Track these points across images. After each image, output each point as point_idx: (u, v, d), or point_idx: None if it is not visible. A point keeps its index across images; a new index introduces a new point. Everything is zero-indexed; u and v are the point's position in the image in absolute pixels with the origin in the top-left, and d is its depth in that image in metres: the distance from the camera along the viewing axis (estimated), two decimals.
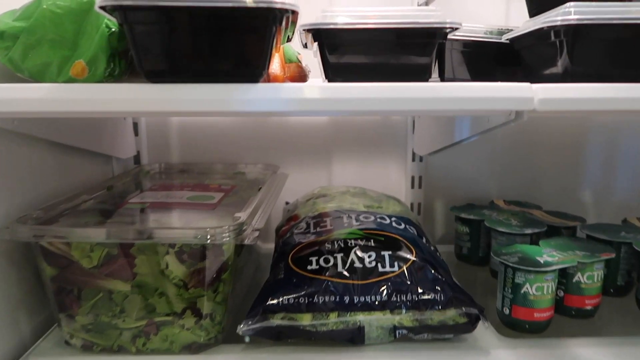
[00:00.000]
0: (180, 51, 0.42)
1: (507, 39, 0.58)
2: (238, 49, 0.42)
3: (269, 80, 0.65)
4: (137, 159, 0.93)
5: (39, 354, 0.57)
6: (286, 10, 0.42)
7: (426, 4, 0.86)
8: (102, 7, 0.41)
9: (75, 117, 0.69)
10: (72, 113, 0.43)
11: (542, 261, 0.58)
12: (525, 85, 0.43)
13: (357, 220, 0.63)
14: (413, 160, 0.93)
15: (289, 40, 0.56)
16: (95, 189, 0.73)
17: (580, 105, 0.43)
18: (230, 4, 0.40)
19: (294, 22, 0.47)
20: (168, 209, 0.64)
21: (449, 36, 0.56)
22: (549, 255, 0.60)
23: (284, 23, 0.43)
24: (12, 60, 0.48)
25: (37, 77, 0.48)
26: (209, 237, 0.50)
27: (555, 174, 0.95)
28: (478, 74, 0.65)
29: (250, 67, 0.43)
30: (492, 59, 0.65)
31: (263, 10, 0.41)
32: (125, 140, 0.88)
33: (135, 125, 0.91)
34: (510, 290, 0.58)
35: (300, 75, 0.67)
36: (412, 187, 0.94)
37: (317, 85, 0.44)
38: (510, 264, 0.57)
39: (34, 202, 0.62)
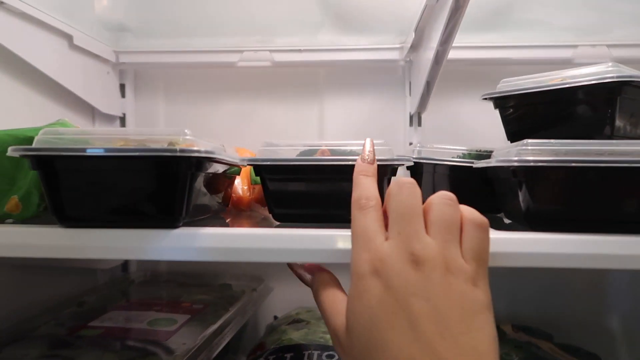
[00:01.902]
0: (93, 197, 0.40)
1: (476, 167, 0.53)
2: (152, 194, 0.40)
3: (234, 201, 0.63)
4: (124, 266, 0.91)
5: None
6: (203, 158, 0.39)
7: (419, 116, 0.83)
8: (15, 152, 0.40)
9: None
10: None
11: None
12: None
13: (319, 359, 0.57)
14: None
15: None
16: (68, 304, 0.71)
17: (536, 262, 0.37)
18: (138, 153, 0.38)
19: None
20: (119, 339, 0.60)
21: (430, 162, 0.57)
22: None
23: (203, 167, 0.41)
24: None
25: None
26: None
27: (575, 295, 0.85)
28: (457, 198, 0.59)
29: (166, 213, 0.40)
30: (472, 183, 0.60)
31: (175, 158, 0.39)
32: None
33: None
34: None
35: None
36: None
37: (242, 231, 0.41)
38: None
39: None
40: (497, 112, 0.85)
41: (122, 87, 0.90)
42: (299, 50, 0.84)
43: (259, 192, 0.63)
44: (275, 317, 0.85)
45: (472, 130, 0.86)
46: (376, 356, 0.30)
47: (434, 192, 0.60)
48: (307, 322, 0.69)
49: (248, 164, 0.46)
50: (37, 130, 0.47)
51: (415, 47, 0.77)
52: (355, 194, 0.37)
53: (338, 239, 0.38)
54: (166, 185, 0.40)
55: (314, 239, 0.39)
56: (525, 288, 0.86)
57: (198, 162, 0.40)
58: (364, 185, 0.37)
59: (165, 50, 0.86)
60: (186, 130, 0.40)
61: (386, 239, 0.34)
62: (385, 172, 0.45)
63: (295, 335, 0.64)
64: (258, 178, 0.63)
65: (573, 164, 0.39)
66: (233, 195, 0.62)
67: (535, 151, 0.42)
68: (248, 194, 0.63)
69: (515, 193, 0.44)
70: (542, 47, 0.82)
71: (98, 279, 0.87)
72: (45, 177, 0.40)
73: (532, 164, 0.41)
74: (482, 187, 0.57)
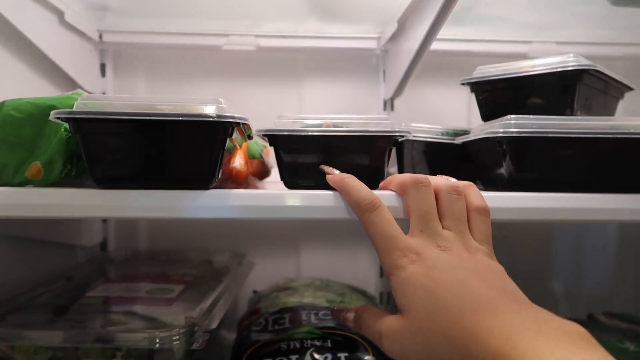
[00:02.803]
0: (130, 160, 0.43)
1: (459, 142, 0.61)
2: (186, 158, 0.44)
3: (232, 175, 0.67)
4: (103, 245, 0.92)
5: None
6: (237, 123, 0.43)
7: (391, 101, 0.90)
8: (57, 117, 0.42)
9: None
10: (15, 217, 0.43)
11: None
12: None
13: (316, 317, 0.62)
14: None
15: (249, 138, 0.58)
16: (55, 279, 0.72)
17: (522, 214, 0.44)
18: (178, 118, 0.41)
19: (248, 128, 0.49)
20: (124, 305, 0.62)
21: (410, 137, 0.60)
22: None
23: (235, 131, 0.45)
24: None
25: None
26: (157, 341, 0.49)
27: (524, 265, 0.95)
28: (435, 172, 0.66)
29: (198, 175, 0.44)
30: (449, 158, 0.67)
31: (210, 124, 0.42)
32: (91, 228, 0.88)
33: None
34: None
35: (263, 171, 0.69)
36: (381, 275, 0.93)
37: (267, 192, 0.45)
38: None
39: None
40: (459, 97, 0.95)
41: (103, 66, 0.91)
42: (284, 37, 0.88)
43: (256, 167, 0.67)
44: (255, 292, 0.88)
45: (438, 114, 0.95)
46: (442, 314, 0.34)
47: (413, 167, 0.67)
48: (295, 289, 0.74)
49: (274, 134, 0.49)
50: (56, 99, 0.49)
51: (395, 37, 0.83)
52: (352, 198, 0.42)
53: None
54: (203, 148, 0.43)
55: (329, 198, 0.44)
56: None
57: (232, 128, 0.44)
58: (355, 187, 0.42)
59: (150, 31, 0.87)
60: (220, 99, 0.44)
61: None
62: (389, 144, 0.51)
63: (290, 300, 0.69)
64: (256, 152, 0.68)
65: (550, 135, 0.47)
66: (232, 169, 0.66)
67: (517, 124, 0.49)
68: (246, 168, 0.67)
69: (498, 161, 0.52)
70: (501, 42, 0.92)
71: (78, 257, 0.87)
72: (86, 141, 0.42)
73: (515, 134, 0.48)
74: (458, 161, 0.65)
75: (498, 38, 0.91)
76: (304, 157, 0.51)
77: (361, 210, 0.41)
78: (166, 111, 0.42)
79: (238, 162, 0.66)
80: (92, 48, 0.87)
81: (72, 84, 0.81)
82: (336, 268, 0.92)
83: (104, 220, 0.91)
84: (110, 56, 0.92)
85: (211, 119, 0.42)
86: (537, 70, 0.59)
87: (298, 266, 0.94)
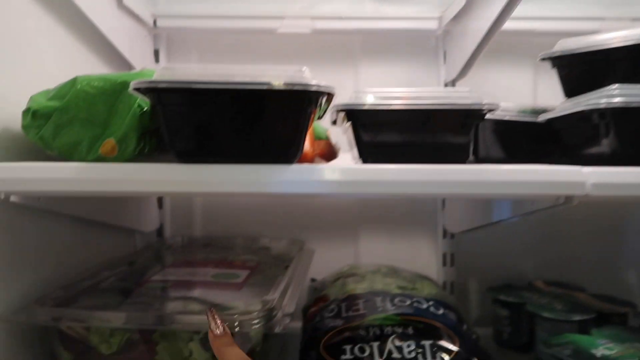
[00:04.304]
0: (213, 132, 0.41)
1: (544, 119, 0.57)
2: (271, 130, 0.41)
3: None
4: (159, 231, 0.91)
5: None
6: (322, 93, 0.41)
7: (453, 83, 0.86)
8: (137, 89, 0.41)
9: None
10: (99, 193, 0.42)
11: (598, 355, 0.53)
12: (575, 168, 0.41)
13: (392, 303, 0.59)
14: (444, 237, 0.89)
15: (319, 118, 0.56)
16: (117, 264, 0.71)
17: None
18: (264, 87, 0.39)
19: (329, 102, 0.46)
20: (192, 289, 0.61)
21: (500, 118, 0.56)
22: (606, 347, 0.55)
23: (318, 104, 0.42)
24: (43, 138, 0.47)
25: (66, 155, 0.47)
26: (236, 324, 0.47)
27: (596, 251, 0.90)
28: (512, 153, 0.63)
29: (284, 148, 0.42)
30: (526, 138, 0.63)
31: (298, 93, 0.40)
32: (149, 214, 0.87)
33: (160, 199, 0.91)
34: None
35: (330, 152, 0.66)
36: (444, 264, 0.89)
37: (352, 167, 0.43)
38: (565, 358, 0.52)
39: (55, 279, 0.60)
40: (524, 78, 0.90)
41: (157, 52, 0.90)
42: (340, 19, 0.85)
43: (323, 148, 0.65)
44: (313, 280, 0.86)
45: (502, 95, 0.90)
46: None
47: (487, 148, 0.64)
48: (362, 276, 0.71)
49: (354, 108, 0.47)
50: (129, 75, 0.48)
51: (459, 17, 0.80)
52: None
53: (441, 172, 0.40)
54: (291, 120, 0.41)
55: (421, 172, 0.41)
56: (550, 247, 0.91)
57: (320, 99, 0.41)
58: None
59: (202, 15, 0.86)
60: (303, 67, 0.41)
61: None
62: (479, 118, 0.48)
63: (359, 286, 0.66)
64: (322, 134, 0.65)
65: None
66: None
67: (623, 94, 0.45)
68: (312, 149, 0.64)
69: (595, 137, 0.48)
70: (571, 19, 0.86)
71: (136, 242, 0.87)
72: (168, 112, 0.41)
73: (620, 105, 0.44)
74: (536, 140, 0.62)
75: (567, 15, 0.86)
76: (386, 134, 0.48)
77: None
78: (261, 80, 0.40)
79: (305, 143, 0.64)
80: (147, 33, 0.86)
81: (128, 67, 0.80)
82: (397, 255, 0.89)
83: (160, 206, 0.90)
84: (164, 42, 0.90)
85: (296, 88, 0.39)
86: (632, 42, 0.54)
87: (357, 254, 0.91)
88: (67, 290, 0.56)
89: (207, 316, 0.42)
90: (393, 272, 0.74)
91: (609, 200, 0.42)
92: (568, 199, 0.42)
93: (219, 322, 0.41)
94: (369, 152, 0.49)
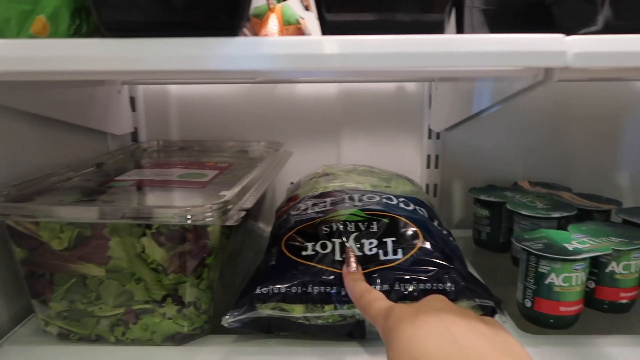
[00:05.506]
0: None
1: None
2: None
3: None
4: (134, 136, 0.88)
5: (15, 341, 0.53)
6: None
7: None
8: None
9: (57, 87, 0.65)
10: (16, 73, 0.38)
11: (570, 248, 0.51)
12: (557, 36, 0.36)
13: (360, 200, 0.56)
14: (429, 137, 0.85)
15: None
16: (84, 165, 0.68)
17: (625, 60, 0.35)
18: None
19: None
20: (154, 187, 0.58)
21: None
22: (579, 241, 0.52)
23: None
24: None
25: None
26: (188, 217, 0.44)
27: (588, 152, 0.86)
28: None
29: (225, 18, 0.37)
30: (518, 18, 0.57)
31: None
32: (120, 116, 0.83)
33: (133, 100, 0.86)
34: (533, 281, 0.51)
35: None
36: (428, 166, 0.86)
37: (308, 38, 0.38)
38: (534, 251, 0.50)
39: (14, 179, 0.57)
40: None
41: None
42: None
43: (292, 33, 0.59)
44: (292, 183, 0.84)
45: None
46: None
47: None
48: (336, 175, 0.68)
49: None
50: None
51: None
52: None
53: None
54: None
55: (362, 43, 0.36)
56: (539, 148, 0.87)
57: None
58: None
59: None
60: None
61: None
62: None
63: (331, 184, 0.63)
64: (292, 18, 0.59)
65: None
66: (265, 35, 0.58)
67: None
68: (281, 34, 0.59)
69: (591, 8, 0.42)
70: None
71: (109, 146, 0.84)
72: None
73: None
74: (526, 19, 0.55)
75: None
76: (350, 13, 0.42)
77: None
78: None
79: (271, 27, 0.58)
80: None
81: None
82: (379, 158, 0.86)
83: (134, 109, 0.86)
84: None
85: None
86: None
87: (339, 157, 0.88)
88: (21, 189, 0.54)
89: (346, 254, 0.48)
90: (369, 171, 0.71)
91: (594, 75, 0.38)
92: (548, 74, 0.38)
93: (353, 260, 0.47)
94: (332, 31, 0.44)
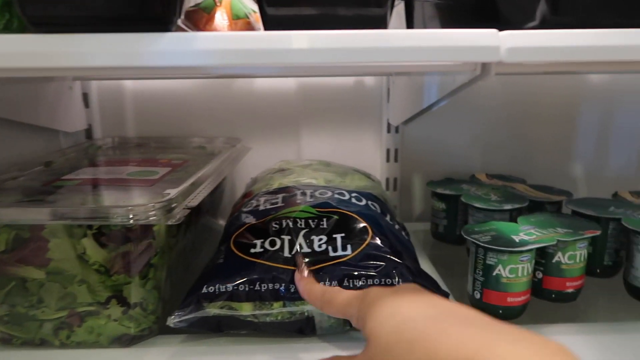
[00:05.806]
0: None
1: None
2: None
3: None
4: (89, 133, 0.86)
5: None
6: None
7: None
8: None
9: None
10: None
11: (517, 240, 0.51)
12: (490, 31, 0.36)
13: (312, 196, 0.56)
14: (388, 131, 0.85)
15: None
16: (32, 164, 0.66)
17: (559, 54, 0.36)
18: None
19: None
20: (101, 186, 0.57)
21: None
22: (527, 233, 0.53)
23: None
24: None
25: None
26: (131, 216, 0.43)
27: (544, 145, 0.88)
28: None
29: (157, 12, 0.36)
30: (469, 12, 0.57)
31: None
32: (72, 113, 0.81)
33: (86, 96, 0.84)
34: (481, 273, 0.52)
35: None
36: (387, 160, 0.87)
37: (242, 33, 0.37)
38: (481, 244, 0.51)
39: None
40: None
41: None
42: None
43: (241, 28, 0.58)
44: (252, 179, 0.83)
45: None
46: (408, 325, 0.31)
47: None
48: (292, 171, 0.68)
49: None
50: None
51: None
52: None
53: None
54: None
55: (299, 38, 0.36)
56: (497, 142, 0.88)
57: None
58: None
59: None
60: None
61: None
62: None
63: (285, 180, 0.63)
64: (241, 12, 0.58)
65: None
66: (213, 30, 0.57)
67: None
68: (230, 29, 0.58)
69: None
70: None
71: (61, 144, 0.81)
72: None
73: None
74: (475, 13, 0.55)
75: None
76: (290, 7, 0.42)
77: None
78: None
79: (220, 21, 0.57)
80: None
81: None
82: (339, 153, 0.85)
83: (87, 105, 0.84)
84: None
85: None
86: None
87: (299, 153, 0.88)
88: None
89: (297, 260, 0.48)
90: (325, 166, 0.71)
91: (529, 69, 0.38)
92: (485, 68, 0.38)
93: (304, 266, 0.46)
94: (274, 29, 0.43)
